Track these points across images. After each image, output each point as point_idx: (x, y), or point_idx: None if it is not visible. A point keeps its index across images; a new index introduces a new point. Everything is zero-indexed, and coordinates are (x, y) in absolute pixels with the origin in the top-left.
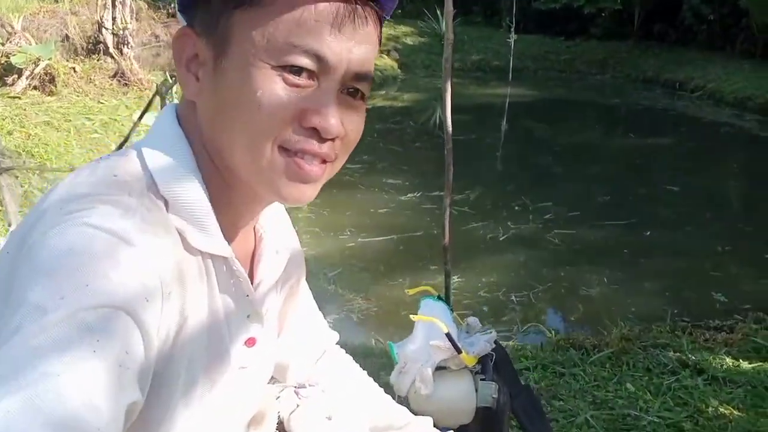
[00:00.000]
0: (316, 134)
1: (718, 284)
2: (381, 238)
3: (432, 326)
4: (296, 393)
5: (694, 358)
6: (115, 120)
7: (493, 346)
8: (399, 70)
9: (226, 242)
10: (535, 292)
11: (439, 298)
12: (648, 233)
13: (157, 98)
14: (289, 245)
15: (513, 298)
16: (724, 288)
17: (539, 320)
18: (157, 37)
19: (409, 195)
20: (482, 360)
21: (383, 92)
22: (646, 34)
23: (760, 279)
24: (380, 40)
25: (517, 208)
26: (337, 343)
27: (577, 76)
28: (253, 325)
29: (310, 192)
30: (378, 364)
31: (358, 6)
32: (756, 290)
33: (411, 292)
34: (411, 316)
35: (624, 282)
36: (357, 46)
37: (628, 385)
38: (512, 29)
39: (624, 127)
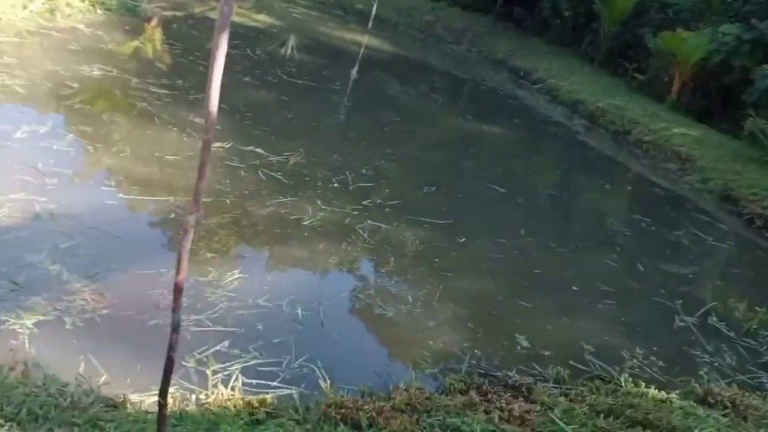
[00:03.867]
0: None
1: (524, 325)
2: (155, 198)
3: None
4: None
5: None
6: None
7: None
8: None
9: None
10: (327, 304)
11: None
12: (463, 240)
13: None
14: None
15: (299, 311)
16: (527, 328)
17: (320, 351)
18: None
19: (217, 144)
20: None
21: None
22: (506, 14)
23: (560, 317)
24: None
25: (336, 184)
26: None
27: (435, 40)
28: None
29: None
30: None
31: None
32: (557, 333)
33: None
34: None
35: (427, 304)
36: None
37: None
38: None
39: (465, 105)
